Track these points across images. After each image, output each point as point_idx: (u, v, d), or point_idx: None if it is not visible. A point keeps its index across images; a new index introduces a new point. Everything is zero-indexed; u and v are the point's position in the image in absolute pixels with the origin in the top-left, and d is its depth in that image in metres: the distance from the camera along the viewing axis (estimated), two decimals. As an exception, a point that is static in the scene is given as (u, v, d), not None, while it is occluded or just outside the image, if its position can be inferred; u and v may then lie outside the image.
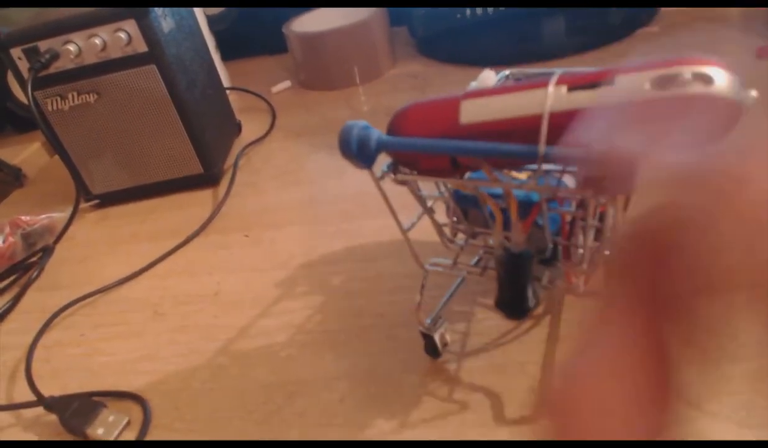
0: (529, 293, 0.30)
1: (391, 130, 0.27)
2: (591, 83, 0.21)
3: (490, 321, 0.41)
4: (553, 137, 0.22)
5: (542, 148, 0.22)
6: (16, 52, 0.59)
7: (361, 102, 0.80)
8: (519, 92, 0.23)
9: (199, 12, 0.78)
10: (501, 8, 0.83)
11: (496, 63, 0.80)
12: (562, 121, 0.22)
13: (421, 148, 0.25)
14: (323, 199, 0.60)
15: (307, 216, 0.58)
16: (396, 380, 0.39)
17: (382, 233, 0.52)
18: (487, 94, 0.24)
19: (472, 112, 0.24)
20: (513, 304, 0.30)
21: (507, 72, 0.37)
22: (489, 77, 0.35)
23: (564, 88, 0.22)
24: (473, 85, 0.34)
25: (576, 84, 0.22)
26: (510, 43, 0.83)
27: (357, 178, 0.62)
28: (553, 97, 0.22)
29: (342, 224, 0.55)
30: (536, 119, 0.22)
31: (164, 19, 0.59)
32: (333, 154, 0.68)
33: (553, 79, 0.22)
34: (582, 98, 0.21)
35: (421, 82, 0.81)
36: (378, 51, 0.85)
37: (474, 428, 0.34)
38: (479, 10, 0.84)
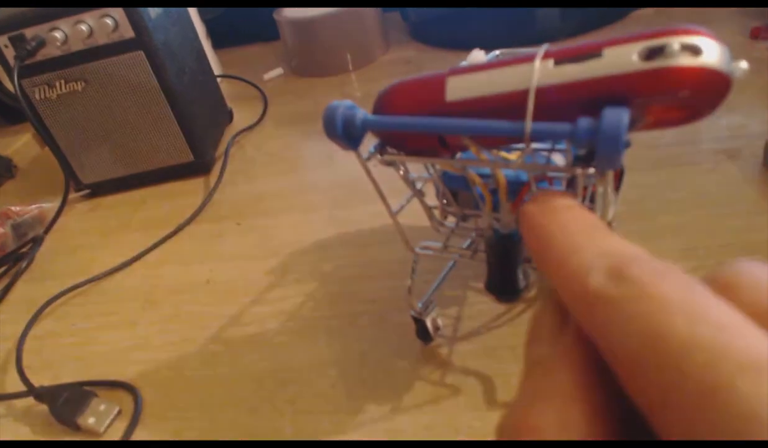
0: (520, 275, 0.30)
1: (377, 109, 0.26)
2: (578, 56, 0.21)
3: (482, 305, 0.41)
4: (541, 113, 0.21)
5: (528, 124, 0.21)
6: (2, 41, 0.58)
7: (353, 88, 0.79)
8: (505, 67, 0.22)
9: (188, -2, 0.77)
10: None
11: (490, 47, 0.80)
12: (549, 96, 0.21)
13: (407, 127, 0.25)
14: (315, 187, 0.60)
15: (299, 203, 0.58)
16: (388, 366, 0.38)
17: (374, 219, 0.52)
18: (474, 70, 0.23)
19: (458, 89, 0.23)
20: (503, 286, 0.30)
21: (497, 52, 0.37)
22: (479, 57, 0.34)
23: (551, 62, 0.21)
24: (463, 65, 0.33)
25: (563, 57, 0.21)
26: (503, 27, 0.82)
27: (349, 164, 0.61)
28: (539, 71, 0.21)
29: (334, 211, 0.55)
30: (523, 94, 0.22)
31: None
32: (325, 141, 0.67)
33: (540, 53, 0.22)
34: (569, 71, 0.21)
35: (414, 67, 0.81)
36: (370, 36, 0.84)
37: (466, 412, 0.34)
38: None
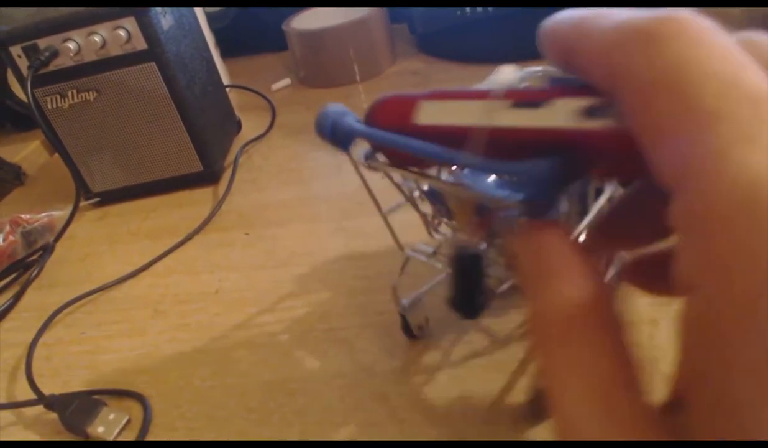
0: (482, 293, 0.29)
1: (367, 118, 0.27)
2: (533, 102, 0.21)
3: (491, 319, 0.41)
4: (494, 148, 0.22)
5: (468, 157, 0.21)
6: (15, 50, 0.59)
7: (361, 99, 0.80)
8: (467, 101, 0.23)
9: (198, 9, 0.78)
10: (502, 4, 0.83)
11: (497, 60, 0.80)
12: (499, 135, 0.21)
13: (376, 139, 0.25)
14: (324, 197, 0.60)
15: (307, 214, 0.58)
16: (397, 379, 0.39)
17: (383, 231, 0.52)
18: (445, 97, 0.24)
19: (426, 114, 0.24)
20: (463, 303, 0.30)
21: (539, 69, 0.36)
22: (506, 73, 0.34)
23: (509, 103, 0.21)
24: (489, 79, 0.33)
25: (520, 100, 0.21)
26: (511, 40, 0.82)
27: (357, 176, 0.62)
28: (493, 110, 0.21)
29: (342, 222, 0.55)
30: (476, 130, 0.22)
31: (164, 16, 0.59)
32: (333, 152, 0.68)
33: (499, 93, 0.22)
34: (521, 116, 0.21)
35: (421, 79, 0.81)
36: (378, 48, 0.85)
37: (475, 426, 0.34)
38: (480, 8, 0.84)
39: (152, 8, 0.57)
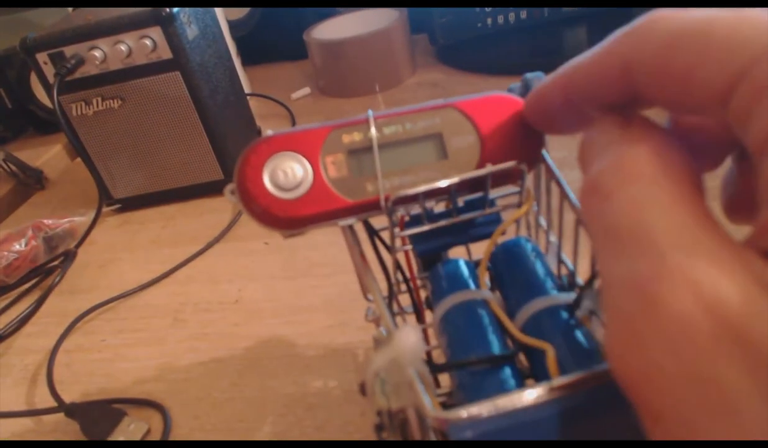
0: None
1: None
2: None
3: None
4: None
5: None
6: (41, 57, 0.59)
7: (381, 110, 0.79)
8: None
9: (221, 17, 0.79)
10: (523, 17, 0.83)
11: (516, 72, 0.80)
12: None
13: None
14: (343, 208, 0.60)
15: (327, 225, 0.58)
16: (418, 395, 0.38)
17: (404, 244, 0.52)
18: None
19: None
20: None
21: None
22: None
23: None
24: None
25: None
26: (531, 53, 0.82)
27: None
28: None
29: (363, 232, 0.55)
30: None
31: (189, 26, 0.59)
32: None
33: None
34: None
35: (440, 91, 0.81)
36: (398, 59, 0.85)
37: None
38: (500, 20, 0.84)
39: (178, 18, 0.57)
